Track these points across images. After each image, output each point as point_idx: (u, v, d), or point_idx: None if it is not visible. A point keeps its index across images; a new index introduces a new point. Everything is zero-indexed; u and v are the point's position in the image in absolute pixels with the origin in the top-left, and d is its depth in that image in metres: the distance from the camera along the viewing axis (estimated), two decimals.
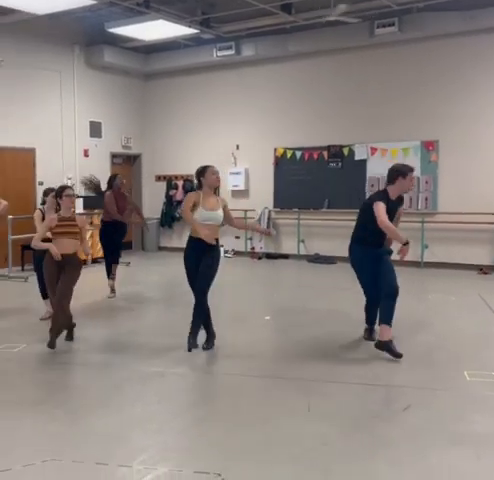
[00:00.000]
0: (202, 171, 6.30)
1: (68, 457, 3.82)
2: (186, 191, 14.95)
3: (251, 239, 14.36)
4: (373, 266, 6.08)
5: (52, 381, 5.43)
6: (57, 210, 6.77)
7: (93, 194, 13.45)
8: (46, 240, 6.46)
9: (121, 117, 14.99)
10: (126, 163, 15.69)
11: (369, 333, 6.46)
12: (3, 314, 7.95)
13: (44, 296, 7.48)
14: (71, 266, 6.34)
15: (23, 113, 12.66)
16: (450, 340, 6.71)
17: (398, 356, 5.76)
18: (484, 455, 3.88)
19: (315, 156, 13.52)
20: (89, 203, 13.09)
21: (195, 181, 6.51)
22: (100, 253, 11.11)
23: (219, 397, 5.07)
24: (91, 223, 12.46)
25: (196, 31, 12.55)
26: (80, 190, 13.53)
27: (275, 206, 14.11)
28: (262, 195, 14.14)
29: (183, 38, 13.28)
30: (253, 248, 14.31)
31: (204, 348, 6.19)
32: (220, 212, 6.27)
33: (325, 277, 11.61)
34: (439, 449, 3.96)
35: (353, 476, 3.63)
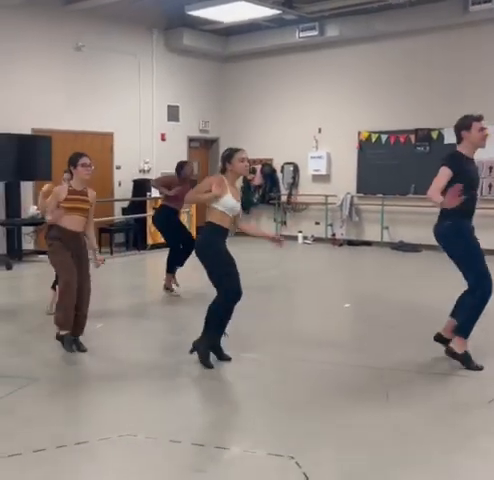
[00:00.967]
0: (229, 155, 5.25)
1: (143, 433, 3.88)
2: (265, 176, 14.67)
3: (331, 225, 13.91)
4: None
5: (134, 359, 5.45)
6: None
7: None
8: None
9: (199, 101, 14.80)
10: (203, 147, 15.52)
11: None
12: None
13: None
14: (84, 250, 5.65)
15: (102, 97, 12.70)
16: None
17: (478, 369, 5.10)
18: None
19: (402, 140, 12.92)
20: None
21: (219, 164, 5.53)
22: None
23: (295, 383, 4.93)
24: None
25: (278, 12, 12.20)
26: (156, 174, 13.44)
27: (358, 191, 13.60)
28: (344, 180, 13.64)
29: (264, 19, 12.92)
30: (334, 234, 13.86)
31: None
32: (239, 204, 5.40)
33: (409, 265, 11.16)
34: None
35: (431, 466, 3.53)
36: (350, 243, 13.64)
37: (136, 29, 13.30)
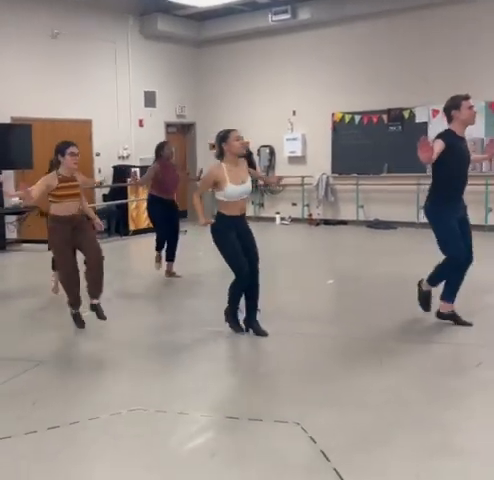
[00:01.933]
0: (224, 136, 5.34)
1: (153, 407, 4.06)
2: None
3: (308, 205, 14.21)
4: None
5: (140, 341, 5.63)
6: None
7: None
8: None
9: (175, 86, 14.93)
10: (180, 132, 15.68)
11: None
12: None
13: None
14: (84, 224, 5.77)
15: (79, 84, 12.77)
16: None
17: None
18: None
19: (375, 120, 13.21)
20: None
21: (215, 149, 5.56)
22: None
23: (292, 354, 5.15)
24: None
25: None
26: (136, 160, 13.62)
27: (333, 172, 13.90)
28: (320, 161, 13.92)
29: (238, 3, 13.07)
30: (310, 214, 14.16)
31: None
32: (249, 182, 5.47)
33: (385, 242, 11.48)
34: None
35: (428, 424, 3.75)
36: (327, 222, 13.94)
37: (111, 15, 13.36)
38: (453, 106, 5.36)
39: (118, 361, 5.09)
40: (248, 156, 14.78)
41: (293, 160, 14.42)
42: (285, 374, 4.68)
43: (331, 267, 9.39)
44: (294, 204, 14.47)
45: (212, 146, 15.26)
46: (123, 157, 13.69)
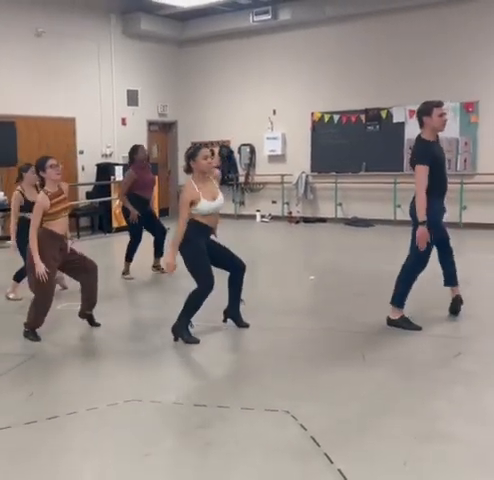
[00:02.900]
0: (193, 154, 5.31)
1: (147, 398, 4.17)
2: (222, 158, 15.05)
3: (288, 203, 14.44)
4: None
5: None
6: (38, 187, 5.85)
7: None
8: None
9: (157, 85, 15.08)
10: (162, 130, 15.83)
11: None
12: None
13: (19, 278, 7.00)
14: (66, 244, 5.63)
15: (62, 83, 12.87)
16: (489, 296, 6.91)
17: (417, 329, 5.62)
18: None
19: (353, 119, 13.46)
20: None
21: (184, 164, 5.52)
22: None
23: (277, 347, 5.30)
24: None
25: None
26: (118, 158, 13.77)
27: (312, 170, 14.13)
28: (299, 160, 14.15)
29: (220, 4, 13.24)
30: (290, 212, 14.39)
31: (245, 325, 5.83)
32: (221, 196, 5.44)
33: (364, 239, 11.70)
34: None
35: (413, 412, 3.91)
36: (306, 220, 14.16)
37: (94, 14, 13.47)
38: (424, 112, 5.39)
39: (109, 356, 5.20)
40: (228, 155, 15.04)
41: (273, 159, 14.64)
42: (271, 367, 4.80)
43: (311, 263, 9.56)
44: (274, 202, 14.69)
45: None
46: (106, 155, 13.81)
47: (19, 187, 6.73)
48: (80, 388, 4.47)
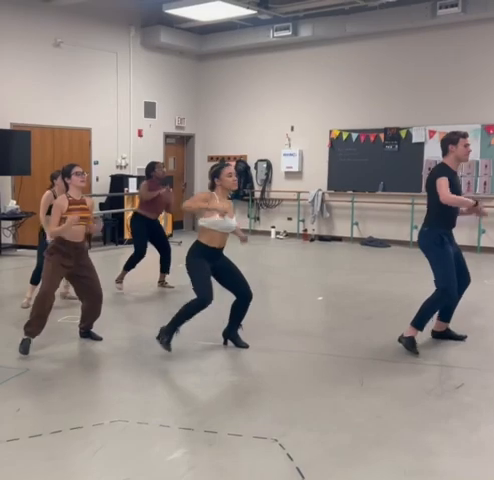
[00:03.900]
0: (217, 171, 5.43)
1: (134, 419, 4.11)
2: (239, 172, 14.94)
3: (303, 221, 14.28)
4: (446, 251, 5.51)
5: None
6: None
7: None
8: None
9: (175, 98, 15.04)
10: (179, 143, 15.77)
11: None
12: None
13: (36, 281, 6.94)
14: (85, 255, 5.74)
15: (80, 94, 12.87)
16: None
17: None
18: None
19: (372, 138, 13.31)
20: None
21: (208, 181, 5.59)
22: None
23: (274, 371, 5.20)
24: None
25: (254, 12, 12.45)
26: (133, 170, 13.71)
27: (329, 188, 13.98)
28: (316, 177, 14.01)
29: (240, 19, 13.19)
30: (305, 230, 14.23)
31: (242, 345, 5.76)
32: (234, 219, 5.56)
33: (379, 260, 11.51)
34: (491, 424, 4.13)
35: (406, 445, 3.78)
36: (321, 238, 14.00)
37: (114, 26, 13.49)
38: (451, 141, 5.54)
39: (104, 373, 5.16)
40: (244, 170, 14.94)
41: (290, 175, 14.51)
42: (268, 391, 4.71)
43: (323, 283, 9.40)
44: (289, 219, 14.55)
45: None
46: (121, 166, 13.76)
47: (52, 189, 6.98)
48: (67, 406, 4.35)
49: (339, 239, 13.86)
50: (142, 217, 8.16)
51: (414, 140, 12.81)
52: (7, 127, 11.63)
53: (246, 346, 5.66)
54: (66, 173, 5.70)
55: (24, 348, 5.39)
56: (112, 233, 12.88)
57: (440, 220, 5.54)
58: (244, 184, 14.97)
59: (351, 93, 13.56)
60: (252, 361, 5.48)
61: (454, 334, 5.92)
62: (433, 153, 12.23)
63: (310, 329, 6.60)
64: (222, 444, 3.78)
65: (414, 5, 11.65)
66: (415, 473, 3.44)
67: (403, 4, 11.53)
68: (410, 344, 5.58)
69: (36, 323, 5.45)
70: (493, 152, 11.97)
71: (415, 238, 12.27)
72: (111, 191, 13.24)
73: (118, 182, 13.18)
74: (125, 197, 12.83)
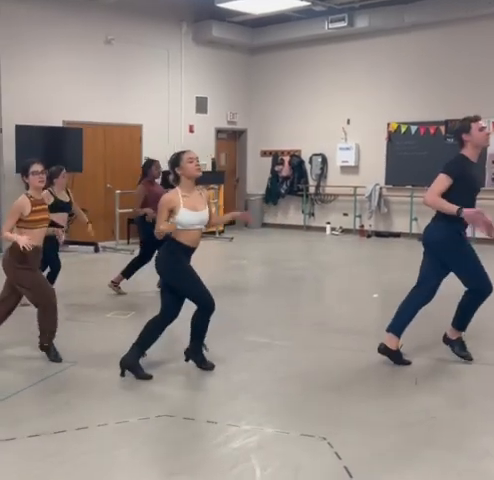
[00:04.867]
0: (176, 159, 4.73)
1: (181, 414, 4.09)
2: (293, 167, 14.67)
3: (360, 216, 13.88)
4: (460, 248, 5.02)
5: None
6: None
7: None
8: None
9: (227, 92, 14.86)
10: (231, 138, 15.59)
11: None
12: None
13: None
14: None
15: (131, 90, 12.82)
16: None
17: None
18: None
19: (432, 131, 12.82)
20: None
21: (171, 176, 4.99)
22: None
23: (326, 368, 5.06)
24: None
25: (308, 3, 12.18)
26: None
27: (387, 183, 13.56)
28: (373, 171, 13.59)
29: (294, 10, 12.92)
30: (362, 226, 13.83)
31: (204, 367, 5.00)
32: (206, 211, 4.78)
33: None
34: None
35: (459, 448, 3.61)
36: (378, 234, 13.60)
37: (165, 22, 13.39)
38: (462, 129, 4.94)
39: (150, 368, 4.93)
40: (298, 165, 14.63)
41: (345, 170, 14.13)
42: (317, 389, 4.58)
43: (379, 280, 9.09)
44: (345, 214, 14.18)
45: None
46: None
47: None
48: (114, 399, 4.36)
49: (397, 235, 13.42)
50: (144, 221, 7.57)
51: None
52: (59, 124, 11.65)
53: (211, 367, 4.94)
54: (24, 171, 5.05)
55: (54, 355, 5.07)
56: None
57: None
58: (298, 179, 14.70)
59: (409, 85, 13.10)
60: (302, 358, 5.30)
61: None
62: None
63: (362, 327, 6.37)
64: (269, 441, 3.73)
65: None
66: (468, 475, 3.29)
67: None
68: (457, 346, 5.17)
69: (50, 336, 5.09)
70: None
71: (477, 234, 11.87)
72: (163, 187, 13.10)
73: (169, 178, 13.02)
74: None
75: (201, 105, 14.32)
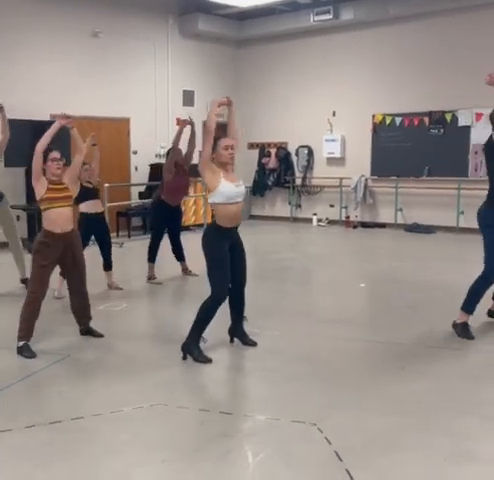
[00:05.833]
0: (213, 145, 4.95)
1: (174, 403, 4.15)
2: (279, 159, 14.77)
3: (346, 207, 14.02)
4: None
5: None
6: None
7: None
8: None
9: (214, 85, 14.80)
10: (220, 131, 15.53)
11: None
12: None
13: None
14: (74, 247, 5.33)
15: (118, 83, 12.82)
16: None
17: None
18: None
19: (416, 122, 12.96)
20: None
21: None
22: None
23: (315, 357, 5.15)
24: None
25: None
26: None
27: (372, 174, 13.69)
28: (359, 163, 13.73)
29: (279, 3, 12.97)
30: (348, 216, 13.96)
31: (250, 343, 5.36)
32: (243, 186, 5.08)
33: (424, 247, 11.22)
34: None
35: (448, 430, 3.73)
36: (364, 225, 13.74)
37: (151, 15, 13.40)
38: None
39: (140, 358, 5.10)
40: (285, 157, 14.73)
41: (331, 161, 14.25)
42: (308, 376, 4.67)
43: (365, 270, 9.20)
44: (331, 206, 14.31)
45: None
46: (160, 155, 13.66)
47: None
48: (107, 390, 4.45)
49: (383, 226, 13.57)
50: (164, 204, 7.97)
51: (460, 123, 12.41)
52: (46, 118, 11.61)
53: (253, 344, 5.29)
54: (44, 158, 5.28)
55: (26, 353, 5.07)
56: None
57: None
58: (285, 171, 14.80)
59: (394, 77, 13.20)
60: (292, 347, 5.41)
61: None
62: (480, 137, 11.76)
63: (350, 316, 6.47)
64: (260, 428, 3.81)
65: None
66: (457, 459, 3.37)
67: None
68: (462, 330, 5.43)
69: (25, 326, 5.15)
70: None
71: (461, 224, 12.07)
72: (150, 180, 13.18)
73: (157, 171, 13.07)
74: None
75: (188, 98, 14.31)
